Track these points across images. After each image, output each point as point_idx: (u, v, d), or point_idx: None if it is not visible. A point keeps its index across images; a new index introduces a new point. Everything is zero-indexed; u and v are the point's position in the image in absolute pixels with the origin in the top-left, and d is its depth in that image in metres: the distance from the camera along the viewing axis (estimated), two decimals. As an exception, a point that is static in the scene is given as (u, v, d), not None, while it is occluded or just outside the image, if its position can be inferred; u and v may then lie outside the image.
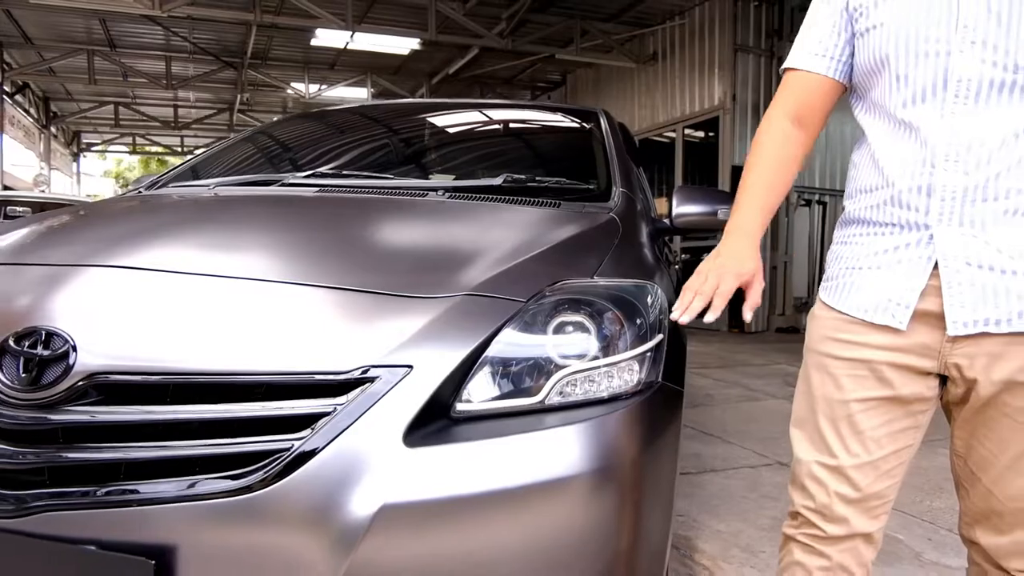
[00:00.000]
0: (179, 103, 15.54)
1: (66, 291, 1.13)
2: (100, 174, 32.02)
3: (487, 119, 2.71)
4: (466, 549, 1.02)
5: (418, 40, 10.15)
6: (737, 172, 9.28)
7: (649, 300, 1.33)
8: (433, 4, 9.40)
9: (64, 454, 1.01)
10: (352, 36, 9.54)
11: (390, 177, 1.99)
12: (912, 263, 1.05)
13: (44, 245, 1.37)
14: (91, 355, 1.04)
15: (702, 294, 1.15)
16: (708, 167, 9.83)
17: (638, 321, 1.26)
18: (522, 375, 1.14)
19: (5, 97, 11.31)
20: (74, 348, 1.04)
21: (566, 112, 2.72)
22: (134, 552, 0.97)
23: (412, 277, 1.21)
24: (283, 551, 0.99)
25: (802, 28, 1.22)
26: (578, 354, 1.17)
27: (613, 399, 1.17)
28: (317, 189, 1.82)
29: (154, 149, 20.50)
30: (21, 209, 6.30)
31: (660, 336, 1.29)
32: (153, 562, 0.96)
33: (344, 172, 2.02)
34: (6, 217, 6.27)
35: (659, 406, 1.24)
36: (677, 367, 1.39)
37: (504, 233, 1.46)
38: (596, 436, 1.11)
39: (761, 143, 1.23)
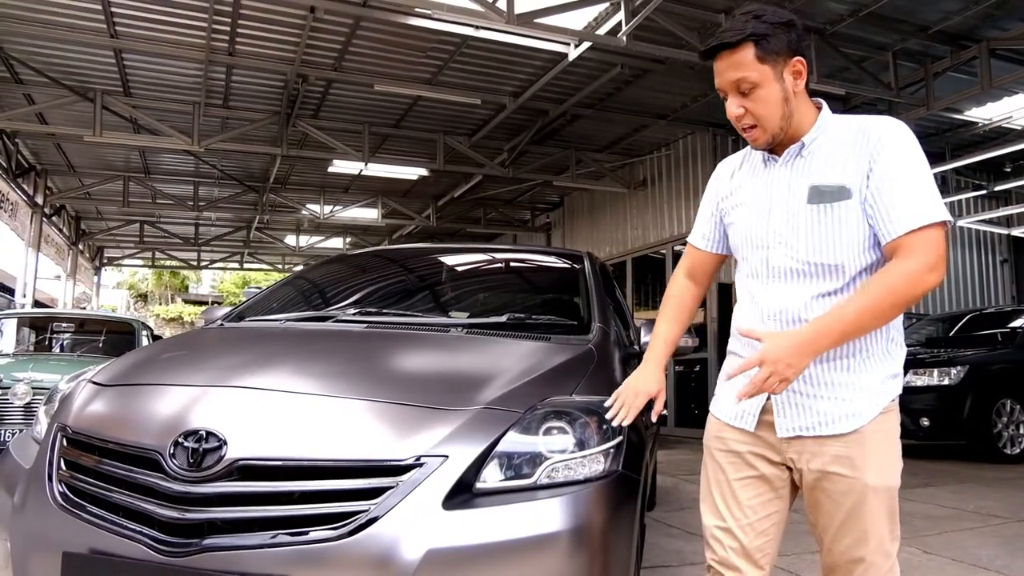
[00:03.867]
0: (201, 222, 16.53)
1: (216, 404, 1.69)
2: (114, 285, 33.07)
3: (494, 261, 3.35)
4: (485, 580, 1.51)
5: (426, 169, 11.14)
6: (723, 289, 9.98)
7: (613, 411, 1.86)
8: (441, 139, 10.42)
9: (216, 514, 1.53)
10: (366, 165, 10.50)
11: (418, 315, 2.59)
12: None
13: (192, 370, 1.95)
14: (236, 447, 1.57)
15: (625, 406, 1.71)
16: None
17: (604, 426, 1.79)
18: (521, 464, 1.67)
19: (43, 218, 12.18)
20: (225, 443, 1.57)
21: (558, 255, 3.36)
22: (264, 580, 1.46)
23: (447, 396, 1.77)
24: (359, 584, 1.48)
25: (697, 215, 1.85)
26: (560, 449, 1.70)
27: (586, 481, 1.68)
28: (365, 325, 2.40)
29: (170, 263, 21.41)
30: (65, 325, 6.92)
31: (620, 437, 1.82)
32: (277, 587, 1.45)
33: (384, 310, 2.61)
34: (52, 333, 6.88)
35: (619, 486, 1.75)
36: (636, 461, 1.91)
37: (509, 362, 2.02)
38: (573, 505, 1.62)
39: (668, 296, 1.86)
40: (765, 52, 1.48)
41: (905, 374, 6.79)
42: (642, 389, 1.74)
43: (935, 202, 1.43)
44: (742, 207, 1.66)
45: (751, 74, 1.49)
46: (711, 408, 1.73)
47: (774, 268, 1.57)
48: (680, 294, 1.84)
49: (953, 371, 7.04)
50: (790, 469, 1.59)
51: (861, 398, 1.50)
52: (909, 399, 6.94)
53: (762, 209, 1.60)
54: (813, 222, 1.51)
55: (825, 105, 1.61)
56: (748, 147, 1.69)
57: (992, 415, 7.01)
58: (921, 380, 7.10)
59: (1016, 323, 8.23)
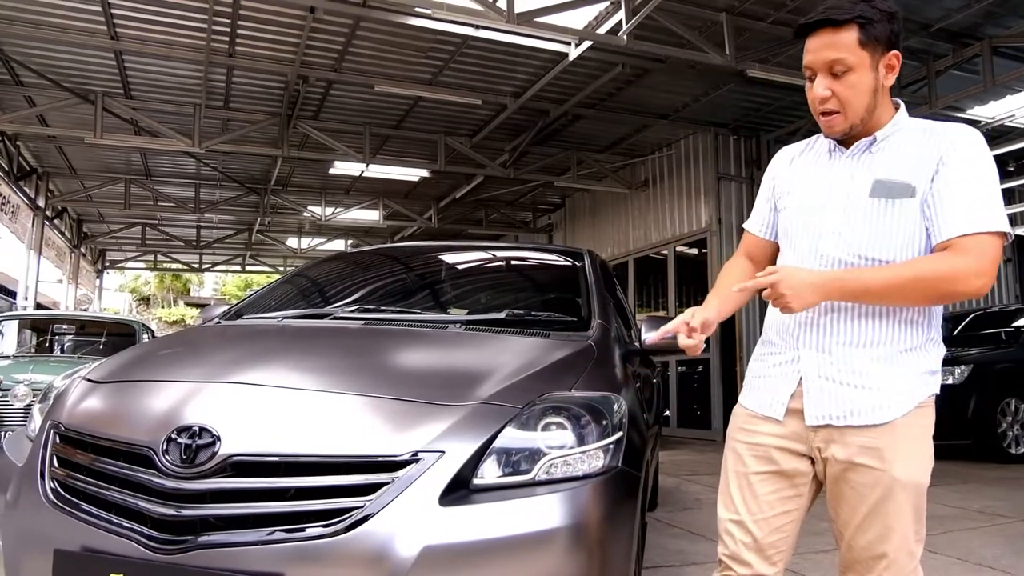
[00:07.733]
0: (202, 224, 16.53)
1: (210, 400, 1.67)
2: (116, 288, 33.10)
3: (493, 259, 3.32)
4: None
5: (428, 170, 11.12)
6: (725, 289, 9.90)
7: (613, 407, 1.84)
8: (442, 139, 10.40)
9: (209, 511, 1.50)
10: (367, 166, 10.48)
11: (417, 311, 2.56)
12: (787, 376, 1.57)
13: (187, 366, 1.93)
14: (230, 443, 1.55)
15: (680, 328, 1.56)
16: (700, 279, 10.49)
17: (603, 422, 1.76)
18: (519, 460, 1.64)
19: (44, 221, 12.18)
20: (218, 439, 1.55)
21: (557, 252, 3.33)
22: (257, 577, 1.44)
23: (444, 391, 1.74)
24: (355, 581, 1.45)
25: (755, 202, 1.81)
26: (559, 445, 1.67)
27: (585, 477, 1.66)
28: (363, 321, 2.37)
29: (173, 266, 21.41)
30: (66, 327, 6.92)
31: (620, 433, 1.79)
32: (270, 584, 1.43)
33: (382, 307, 2.58)
34: (53, 334, 6.88)
35: (619, 483, 1.72)
36: (636, 457, 1.88)
37: (508, 358, 2.00)
38: (571, 502, 1.60)
39: (725, 268, 1.80)
40: (868, 37, 1.43)
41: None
42: (701, 313, 1.58)
43: (995, 212, 1.41)
44: (797, 193, 1.63)
45: (849, 57, 1.44)
46: (740, 399, 1.69)
47: (823, 257, 1.54)
48: (739, 273, 1.73)
49: (957, 370, 7.00)
50: (814, 463, 1.56)
51: (893, 390, 1.46)
52: (913, 398, 6.90)
53: (819, 197, 1.57)
54: (872, 216, 1.49)
55: (903, 106, 1.58)
56: (814, 136, 1.67)
57: (997, 415, 6.97)
58: (925, 379, 7.05)
59: (1020, 322, 8.19)
